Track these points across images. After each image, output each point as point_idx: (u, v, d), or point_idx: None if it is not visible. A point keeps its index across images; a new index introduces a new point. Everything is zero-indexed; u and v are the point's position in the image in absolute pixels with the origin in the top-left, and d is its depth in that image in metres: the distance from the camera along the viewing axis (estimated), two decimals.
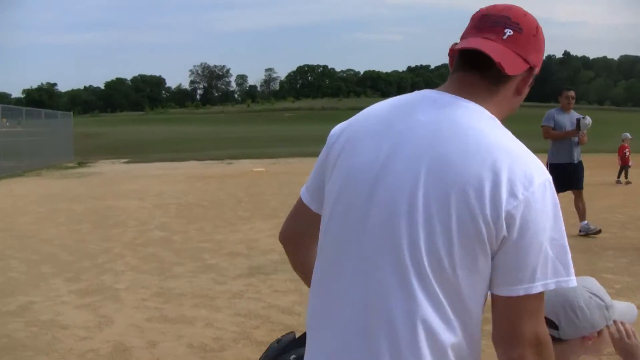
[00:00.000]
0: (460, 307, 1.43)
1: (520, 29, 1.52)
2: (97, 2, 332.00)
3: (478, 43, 1.49)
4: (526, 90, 1.60)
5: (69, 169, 26.00)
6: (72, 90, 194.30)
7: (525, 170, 1.40)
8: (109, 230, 10.49)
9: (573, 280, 1.44)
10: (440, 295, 1.40)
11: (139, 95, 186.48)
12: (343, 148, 1.58)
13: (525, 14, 1.56)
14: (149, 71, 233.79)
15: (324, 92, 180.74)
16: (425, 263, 1.39)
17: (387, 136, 1.51)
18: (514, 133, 1.48)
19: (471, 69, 1.54)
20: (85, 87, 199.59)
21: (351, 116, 1.66)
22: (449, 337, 1.41)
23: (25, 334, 5.44)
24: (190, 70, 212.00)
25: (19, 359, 4.93)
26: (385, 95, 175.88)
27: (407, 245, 1.41)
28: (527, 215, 1.38)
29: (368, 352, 1.44)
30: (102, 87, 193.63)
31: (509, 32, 1.51)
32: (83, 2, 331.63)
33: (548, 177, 1.44)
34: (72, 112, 41.34)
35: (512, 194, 1.37)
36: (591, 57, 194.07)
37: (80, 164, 28.05)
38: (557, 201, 1.44)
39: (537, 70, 1.58)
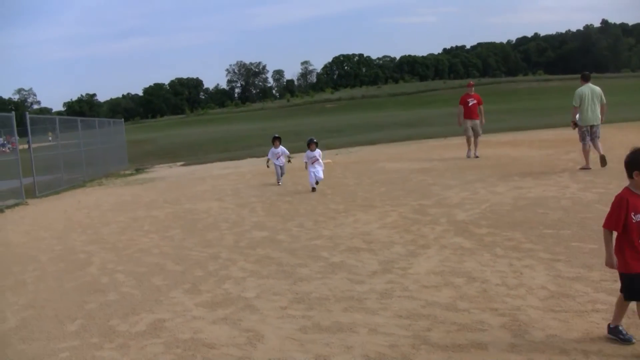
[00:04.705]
0: None
1: None
2: (127, 11, 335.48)
3: None
4: None
5: (127, 176, 25.59)
6: (112, 99, 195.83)
7: None
8: (204, 235, 9.90)
9: None
10: None
11: (177, 99, 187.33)
12: None
13: None
14: (186, 74, 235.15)
15: (362, 81, 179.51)
16: None
17: None
18: None
19: None
20: (123, 95, 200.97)
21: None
22: None
23: (171, 358, 4.83)
24: (227, 70, 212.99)
25: None
26: (424, 79, 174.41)
27: None
28: None
29: None
30: (141, 93, 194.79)
31: None
32: (114, 13, 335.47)
33: None
34: (122, 119, 41.00)
35: None
36: (630, 24, 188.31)
37: (138, 170, 27.68)
38: None
39: None
